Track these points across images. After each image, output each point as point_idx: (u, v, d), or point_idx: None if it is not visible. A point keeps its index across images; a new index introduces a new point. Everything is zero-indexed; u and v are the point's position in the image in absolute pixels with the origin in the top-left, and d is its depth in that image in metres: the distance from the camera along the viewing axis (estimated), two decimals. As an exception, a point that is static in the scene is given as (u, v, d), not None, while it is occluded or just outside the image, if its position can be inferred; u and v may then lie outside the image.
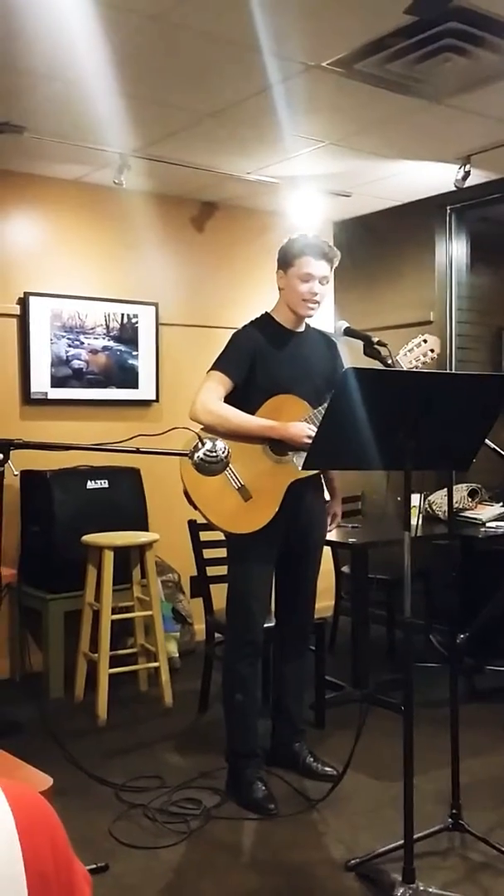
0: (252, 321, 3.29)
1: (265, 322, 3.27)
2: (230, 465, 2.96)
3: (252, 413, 3.12)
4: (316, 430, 3.00)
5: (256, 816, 3.05)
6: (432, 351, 3.13)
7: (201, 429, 2.90)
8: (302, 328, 3.28)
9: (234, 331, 3.26)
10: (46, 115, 3.81)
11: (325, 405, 3.06)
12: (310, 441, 2.99)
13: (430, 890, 2.44)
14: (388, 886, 2.48)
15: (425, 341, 3.13)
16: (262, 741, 3.34)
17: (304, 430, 3.05)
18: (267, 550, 3.17)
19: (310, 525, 3.31)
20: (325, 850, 2.83)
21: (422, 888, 2.42)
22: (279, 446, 3.12)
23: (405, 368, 3.04)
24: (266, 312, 3.31)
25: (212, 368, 3.17)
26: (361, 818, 3.04)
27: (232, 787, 3.22)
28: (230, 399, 3.13)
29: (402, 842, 2.45)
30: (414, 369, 3.05)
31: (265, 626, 3.27)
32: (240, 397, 3.14)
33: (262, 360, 3.16)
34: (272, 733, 3.49)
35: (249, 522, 3.07)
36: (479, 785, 3.23)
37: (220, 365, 3.17)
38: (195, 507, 3.08)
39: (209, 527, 3.20)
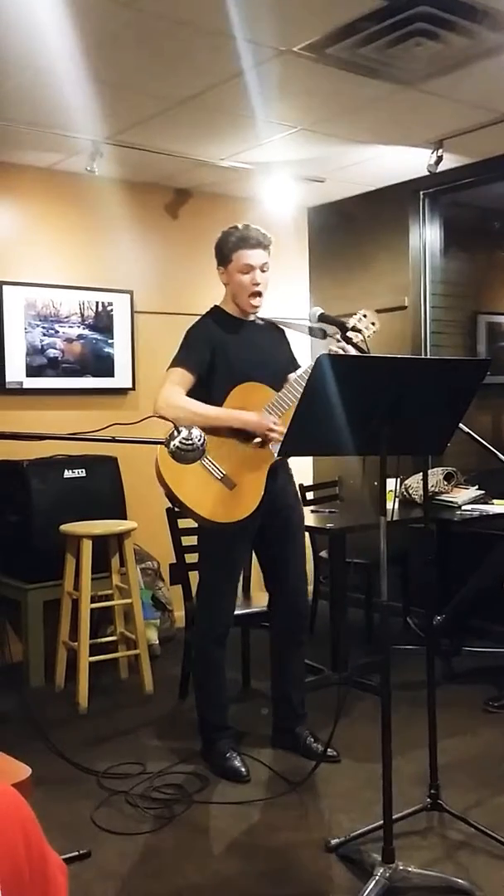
0: (205, 314, 3.32)
1: (217, 313, 3.32)
2: (207, 457, 2.98)
3: (219, 405, 3.14)
4: (275, 417, 3.07)
5: (238, 800, 3.07)
6: (373, 324, 3.21)
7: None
8: (251, 317, 3.33)
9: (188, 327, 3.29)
10: (17, 102, 3.77)
11: (283, 391, 3.13)
12: (272, 430, 3.07)
13: (410, 869, 2.47)
14: (369, 866, 2.51)
15: (365, 316, 3.20)
16: (239, 723, 3.37)
17: (264, 419, 3.09)
18: (243, 532, 3.20)
19: (287, 506, 3.35)
20: (306, 833, 2.85)
21: (402, 867, 2.45)
22: (246, 435, 3.13)
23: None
24: (216, 305, 3.35)
25: (171, 366, 3.19)
26: (341, 800, 3.07)
27: (206, 756, 3.34)
28: (194, 394, 3.15)
29: (381, 822, 2.47)
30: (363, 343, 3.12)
31: (261, 610, 3.31)
32: (203, 390, 3.16)
33: (221, 348, 3.20)
34: (274, 719, 3.54)
35: (239, 509, 3.10)
36: (457, 765, 3.27)
37: (178, 360, 3.19)
38: (182, 507, 3.06)
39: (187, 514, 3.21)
